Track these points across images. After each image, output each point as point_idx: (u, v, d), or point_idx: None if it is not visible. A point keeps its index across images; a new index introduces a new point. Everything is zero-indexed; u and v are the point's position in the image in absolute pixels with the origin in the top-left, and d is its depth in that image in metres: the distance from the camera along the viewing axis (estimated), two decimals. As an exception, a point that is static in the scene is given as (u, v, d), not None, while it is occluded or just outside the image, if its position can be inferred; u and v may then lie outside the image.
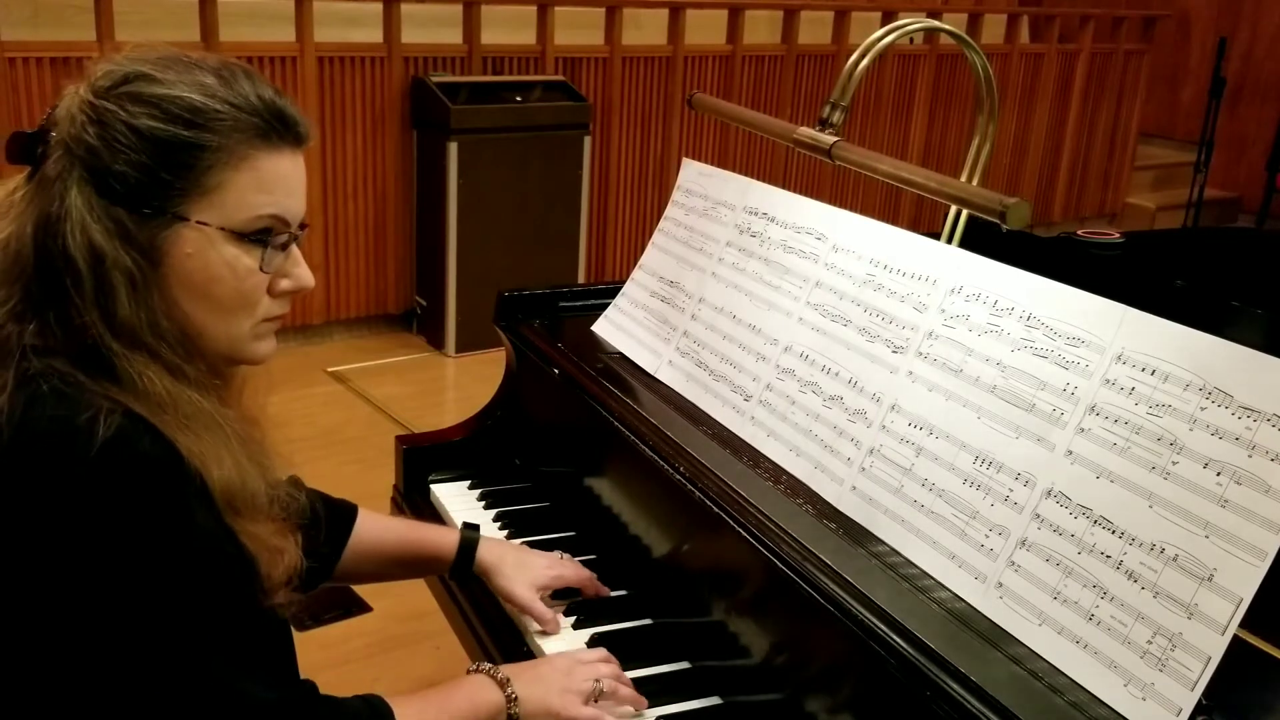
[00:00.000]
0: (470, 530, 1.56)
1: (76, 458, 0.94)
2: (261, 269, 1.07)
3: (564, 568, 1.56)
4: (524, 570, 1.52)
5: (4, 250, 1.03)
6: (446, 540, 1.54)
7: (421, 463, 1.93)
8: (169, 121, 1.01)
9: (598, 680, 1.31)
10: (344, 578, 1.52)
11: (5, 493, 0.96)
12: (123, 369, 1.01)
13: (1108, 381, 1.15)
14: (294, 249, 1.12)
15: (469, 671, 1.29)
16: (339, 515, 1.49)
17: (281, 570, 1.11)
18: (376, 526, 1.51)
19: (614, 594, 1.58)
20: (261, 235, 1.06)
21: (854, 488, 1.35)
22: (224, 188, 1.03)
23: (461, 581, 1.58)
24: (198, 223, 1.03)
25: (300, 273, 1.12)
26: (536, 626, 1.49)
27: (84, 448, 0.94)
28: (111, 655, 0.97)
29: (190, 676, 0.99)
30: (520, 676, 1.28)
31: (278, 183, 1.07)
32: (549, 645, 1.47)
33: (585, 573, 1.57)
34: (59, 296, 1.00)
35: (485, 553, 1.53)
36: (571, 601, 1.56)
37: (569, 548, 1.68)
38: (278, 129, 1.06)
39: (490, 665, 1.30)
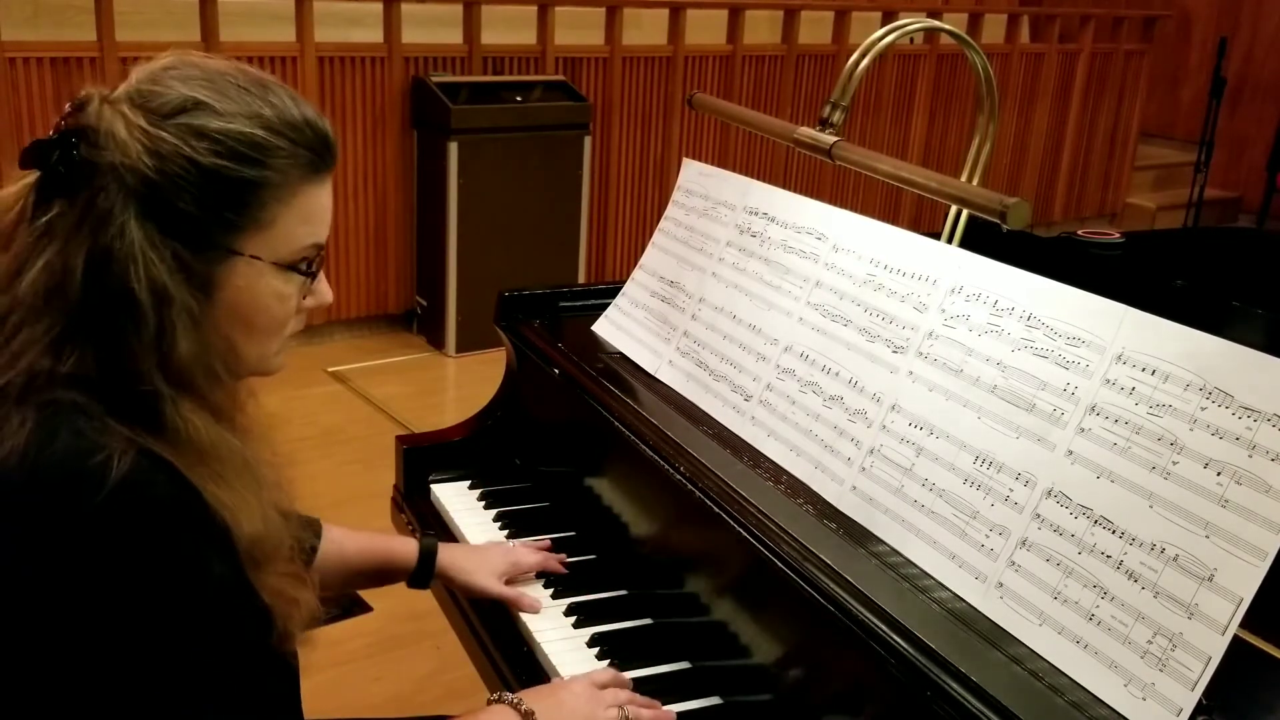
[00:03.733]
0: (429, 538, 1.61)
1: (84, 502, 0.90)
2: (302, 296, 1.09)
3: (519, 554, 1.64)
4: (482, 564, 1.59)
5: (47, 275, 0.96)
6: (407, 549, 1.58)
7: (422, 463, 1.93)
8: (234, 159, 0.99)
9: (621, 708, 1.29)
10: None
11: (16, 535, 0.92)
12: (166, 412, 0.97)
13: (1108, 381, 1.15)
14: None
15: (489, 702, 1.26)
16: (308, 530, 1.46)
17: (298, 621, 1.09)
18: (340, 539, 1.51)
19: (613, 594, 1.59)
20: (302, 264, 1.07)
21: (854, 488, 1.35)
22: (276, 222, 1.03)
23: (423, 587, 1.61)
24: (251, 257, 1.02)
25: (322, 289, 1.13)
26: (520, 613, 1.54)
27: (93, 492, 0.90)
28: (109, 706, 0.94)
29: None
30: (542, 705, 1.25)
31: (320, 213, 1.08)
32: (538, 624, 1.52)
33: (539, 555, 1.65)
34: (109, 334, 0.96)
35: (443, 556, 1.58)
36: (571, 601, 1.56)
37: (569, 548, 1.68)
38: (326, 159, 1.06)
39: (511, 695, 1.26)
